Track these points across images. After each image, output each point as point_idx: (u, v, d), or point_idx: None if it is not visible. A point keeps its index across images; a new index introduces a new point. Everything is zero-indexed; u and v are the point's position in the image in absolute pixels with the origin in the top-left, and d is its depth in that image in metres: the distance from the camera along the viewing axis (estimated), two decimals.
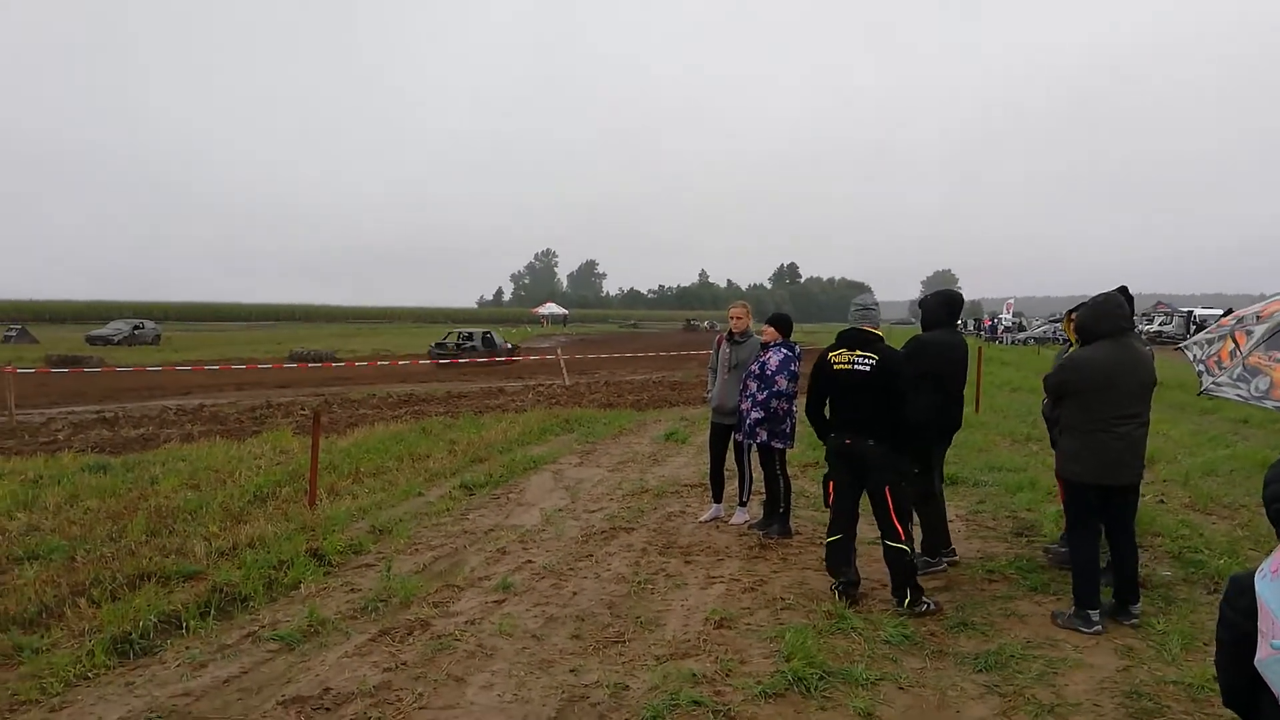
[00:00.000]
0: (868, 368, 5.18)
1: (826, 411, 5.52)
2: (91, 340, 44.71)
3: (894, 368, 5.18)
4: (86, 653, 4.34)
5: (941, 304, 6.00)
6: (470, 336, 32.28)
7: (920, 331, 6.13)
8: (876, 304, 5.54)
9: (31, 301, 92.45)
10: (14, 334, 45.60)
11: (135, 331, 46.85)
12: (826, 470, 5.50)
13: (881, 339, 5.32)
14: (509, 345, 32.71)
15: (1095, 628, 4.74)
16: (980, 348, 18.13)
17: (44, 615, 4.88)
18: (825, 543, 5.43)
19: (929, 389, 5.60)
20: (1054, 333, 49.51)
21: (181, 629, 4.77)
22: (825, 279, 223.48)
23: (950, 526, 6.27)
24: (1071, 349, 5.82)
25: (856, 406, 5.26)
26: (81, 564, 5.73)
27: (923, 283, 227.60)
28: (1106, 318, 4.92)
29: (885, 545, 5.14)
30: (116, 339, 45.10)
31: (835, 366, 5.35)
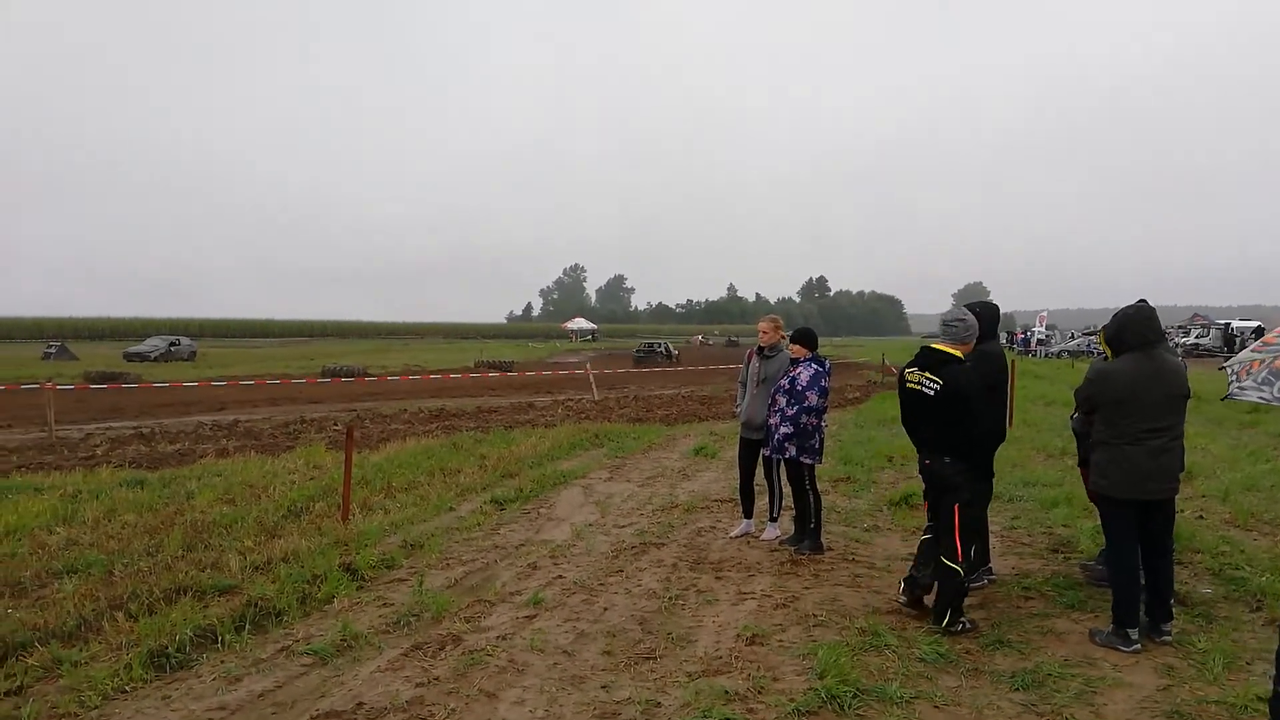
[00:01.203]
0: (932, 391, 5.08)
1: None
2: (129, 357, 45.50)
3: (962, 391, 4.99)
4: (124, 666, 4.40)
5: (991, 316, 5.95)
6: (656, 346, 49.86)
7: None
8: (963, 319, 5.25)
9: (71, 318, 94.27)
10: (53, 351, 46.53)
11: (171, 348, 47.60)
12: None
13: (955, 359, 5.13)
14: (675, 353, 49.14)
15: (1134, 646, 4.66)
16: (1013, 361, 17.95)
17: (83, 628, 4.94)
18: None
19: (990, 401, 5.55)
20: (1088, 346, 48.88)
21: (217, 643, 4.81)
22: (855, 292, 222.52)
23: None
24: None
25: (926, 427, 5.22)
26: (119, 578, 5.81)
27: (954, 295, 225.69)
28: (1133, 329, 4.87)
29: (940, 561, 5.05)
30: (153, 355, 45.85)
31: (907, 385, 5.30)
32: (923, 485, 5.46)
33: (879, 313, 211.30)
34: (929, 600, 5.18)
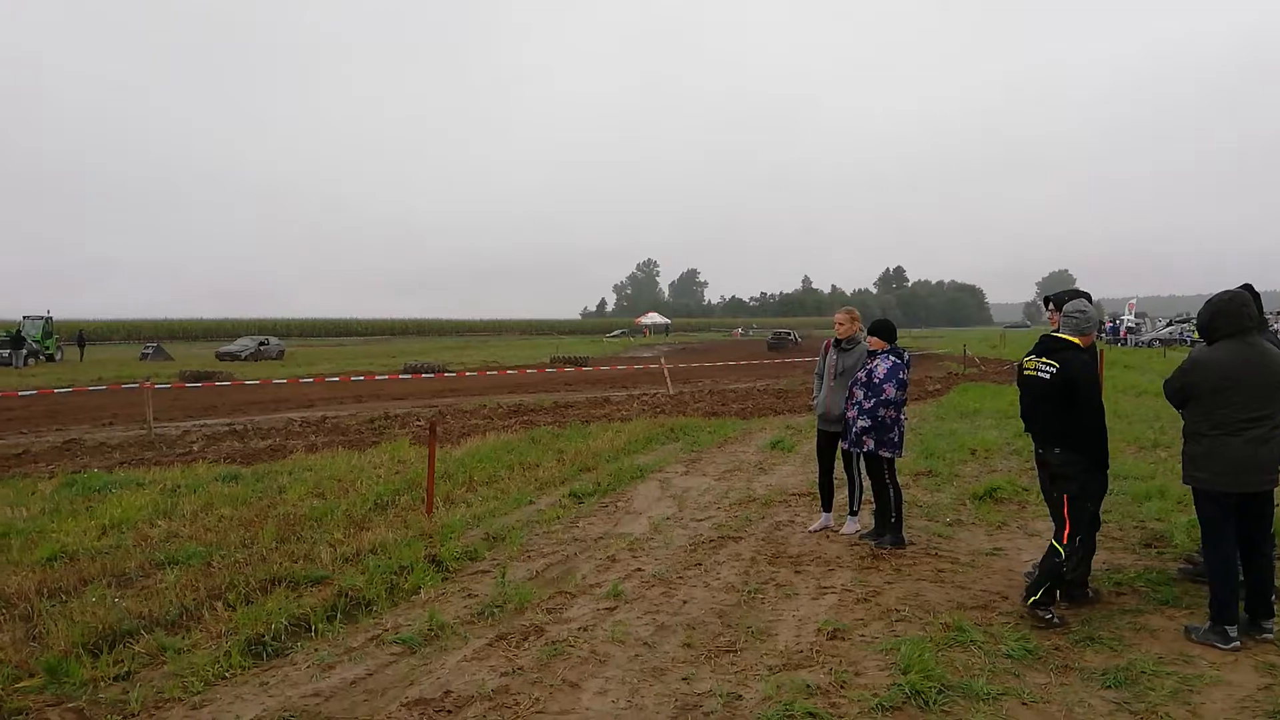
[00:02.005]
0: (1048, 375, 5.09)
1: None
2: (221, 356, 47.24)
3: (1075, 375, 5.01)
4: (224, 653, 4.59)
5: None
6: (786, 334, 57.51)
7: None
8: (1085, 310, 5.24)
9: (166, 320, 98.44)
10: (150, 351, 48.68)
11: (261, 347, 49.25)
12: None
13: (1073, 346, 5.14)
14: (801, 340, 56.39)
15: (1233, 644, 4.49)
16: (1101, 351, 17.38)
17: (184, 617, 5.17)
18: None
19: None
20: (1180, 334, 47.00)
21: (310, 631, 5.00)
22: (934, 282, 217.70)
23: None
24: None
25: (1040, 414, 5.22)
26: (217, 569, 6.05)
27: (1038, 284, 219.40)
28: (1227, 316, 4.70)
29: (1051, 543, 5.10)
30: (244, 355, 47.50)
31: (1024, 372, 5.33)
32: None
33: (959, 303, 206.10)
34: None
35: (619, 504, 8.39)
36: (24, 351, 40.14)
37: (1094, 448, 5.11)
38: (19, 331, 42.65)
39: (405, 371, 31.04)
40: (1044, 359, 5.16)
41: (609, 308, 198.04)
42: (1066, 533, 5.00)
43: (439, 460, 9.48)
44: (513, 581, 5.82)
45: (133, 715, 3.97)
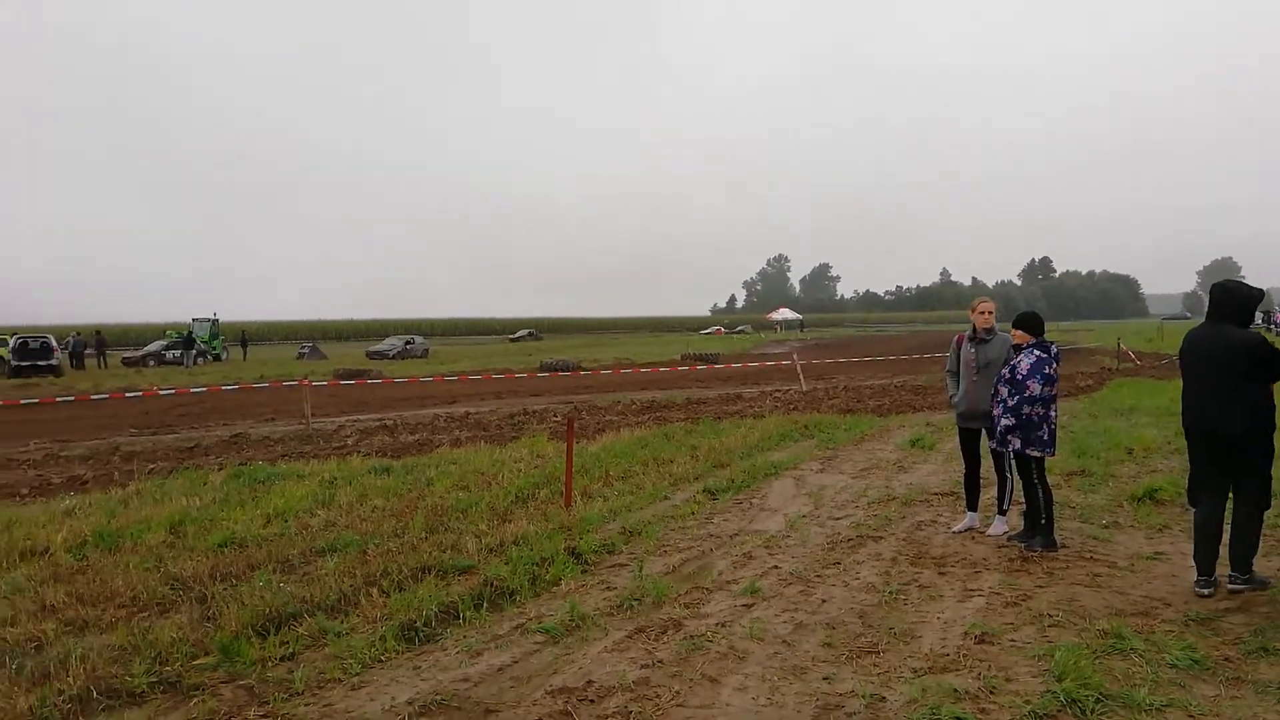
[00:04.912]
0: None
1: None
2: (371, 355, 49.66)
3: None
4: (379, 638, 4.83)
5: (1244, 297, 5.49)
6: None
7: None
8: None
9: (320, 321, 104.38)
10: (306, 351, 51.76)
11: (407, 346, 51.49)
12: None
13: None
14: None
15: None
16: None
17: (343, 602, 5.44)
18: None
19: None
20: None
21: (458, 619, 5.19)
22: (1084, 273, 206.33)
23: None
24: None
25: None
26: (372, 557, 6.36)
27: (1199, 273, 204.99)
28: None
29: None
30: (391, 353, 49.78)
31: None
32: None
33: (1111, 294, 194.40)
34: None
35: (753, 501, 8.35)
36: (194, 352, 43.34)
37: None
38: (189, 333, 46.07)
39: (542, 369, 31.80)
40: None
41: (739, 304, 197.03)
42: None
43: (576, 455, 9.67)
44: (650, 575, 5.89)
45: (298, 694, 4.21)
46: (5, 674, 4.41)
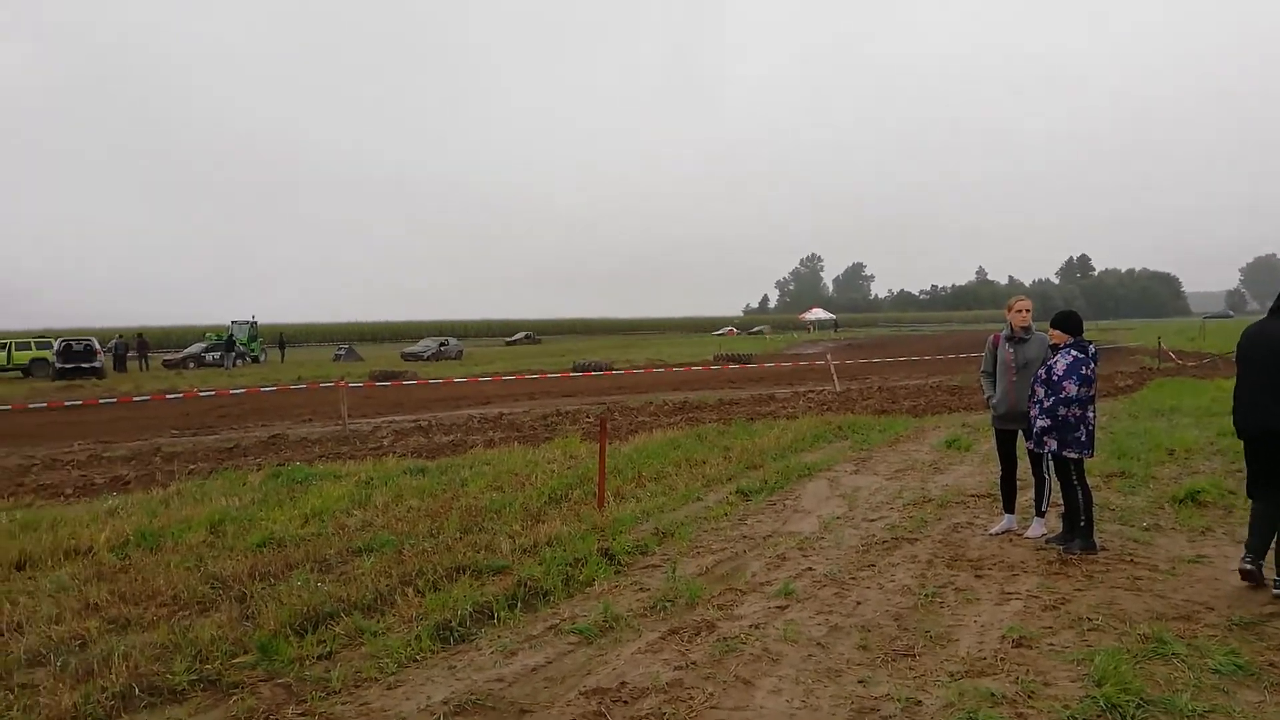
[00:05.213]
0: None
1: None
2: (406, 356, 50.17)
3: None
4: (415, 637, 4.87)
5: None
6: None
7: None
8: None
9: (355, 323, 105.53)
10: (343, 352, 52.40)
11: (441, 348, 51.96)
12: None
13: None
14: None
15: None
16: None
17: (379, 602, 5.49)
18: None
19: None
20: None
21: (493, 619, 5.22)
22: (1123, 271, 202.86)
23: None
24: None
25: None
26: (407, 557, 6.41)
27: (1241, 271, 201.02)
28: None
29: None
30: (426, 355, 50.25)
31: None
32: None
33: (1151, 292, 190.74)
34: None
35: (787, 502, 8.32)
36: (233, 354, 44.05)
37: None
38: (230, 336, 46.81)
39: (575, 370, 31.91)
40: None
41: (771, 304, 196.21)
42: None
43: (608, 456, 9.69)
44: (683, 577, 5.88)
45: (335, 692, 4.26)
46: (51, 671, 4.51)
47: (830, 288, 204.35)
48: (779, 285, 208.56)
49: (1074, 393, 6.14)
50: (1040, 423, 6.29)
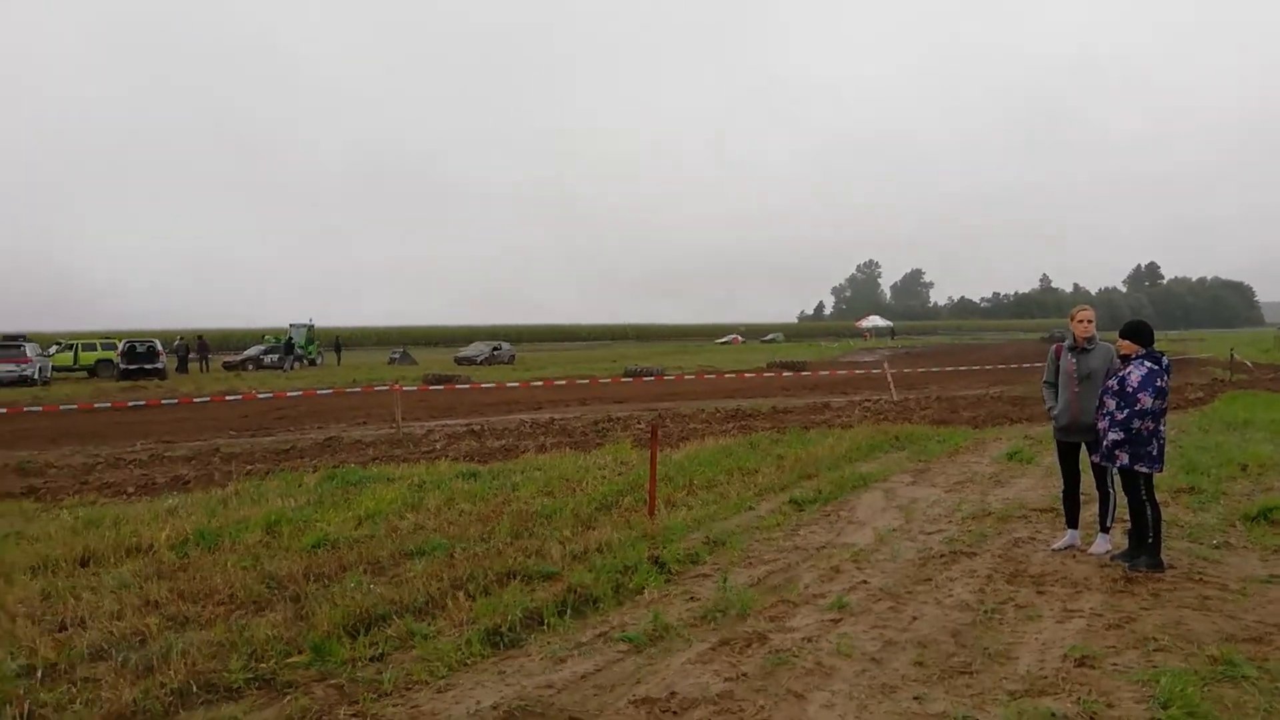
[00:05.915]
0: None
1: None
2: (459, 361, 50.67)
3: None
4: (465, 641, 4.87)
5: None
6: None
7: None
8: None
9: (409, 327, 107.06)
10: (397, 356, 53.12)
11: (494, 352, 52.37)
12: None
13: None
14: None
15: None
16: None
17: (430, 605, 5.51)
18: None
19: None
20: None
21: (543, 625, 5.20)
22: (1194, 279, 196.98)
23: None
24: None
25: None
26: (459, 561, 6.42)
27: None
28: None
29: None
30: (479, 359, 50.70)
31: None
32: None
33: (1223, 301, 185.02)
34: None
35: (841, 513, 8.18)
36: (291, 357, 44.97)
37: None
38: (289, 339, 47.79)
39: (626, 375, 31.93)
40: None
41: (827, 310, 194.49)
42: None
43: (660, 463, 9.64)
44: (734, 587, 5.80)
45: (386, 695, 4.27)
46: (112, 665, 4.60)
47: (888, 294, 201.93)
48: (835, 291, 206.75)
49: (1149, 405, 5.94)
50: (1112, 435, 6.09)
